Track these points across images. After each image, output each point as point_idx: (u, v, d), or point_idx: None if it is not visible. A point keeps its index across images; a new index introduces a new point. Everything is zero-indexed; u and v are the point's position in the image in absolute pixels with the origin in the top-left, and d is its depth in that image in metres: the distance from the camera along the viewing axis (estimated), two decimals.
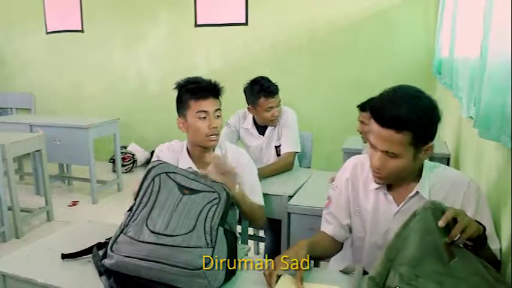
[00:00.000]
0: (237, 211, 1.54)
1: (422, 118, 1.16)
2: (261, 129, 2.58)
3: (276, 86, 2.48)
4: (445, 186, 1.28)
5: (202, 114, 1.63)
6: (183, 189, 1.29)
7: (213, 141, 1.67)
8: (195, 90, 1.63)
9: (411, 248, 1.00)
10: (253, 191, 1.76)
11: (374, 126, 1.20)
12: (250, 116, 2.59)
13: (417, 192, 1.29)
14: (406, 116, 1.14)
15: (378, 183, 1.32)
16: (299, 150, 2.53)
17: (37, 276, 1.27)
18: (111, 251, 1.19)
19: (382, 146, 1.19)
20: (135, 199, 1.28)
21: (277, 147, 2.56)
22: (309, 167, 2.77)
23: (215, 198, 1.27)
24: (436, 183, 1.29)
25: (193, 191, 1.28)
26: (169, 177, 1.31)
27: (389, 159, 1.21)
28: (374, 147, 1.23)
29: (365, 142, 2.21)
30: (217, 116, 1.66)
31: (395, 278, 0.97)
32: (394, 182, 1.31)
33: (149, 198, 1.26)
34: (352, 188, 1.42)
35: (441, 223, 1.00)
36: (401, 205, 1.32)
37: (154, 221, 1.20)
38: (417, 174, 1.30)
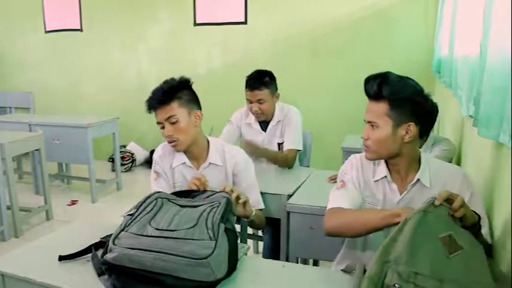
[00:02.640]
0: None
1: (397, 92, 1.30)
2: (263, 124, 2.59)
3: (264, 82, 2.44)
4: (443, 175, 1.37)
5: (160, 125, 1.70)
6: (186, 207, 1.36)
7: (174, 147, 1.72)
8: (148, 105, 1.69)
9: (408, 247, 1.01)
10: (249, 190, 1.77)
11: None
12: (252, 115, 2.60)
13: (418, 180, 1.37)
14: (381, 86, 1.31)
15: (368, 159, 1.43)
16: (301, 148, 2.53)
17: (36, 276, 1.27)
18: (114, 244, 1.20)
19: (367, 117, 1.36)
20: (137, 208, 1.33)
21: (279, 144, 2.56)
22: (308, 166, 2.77)
23: (216, 202, 1.33)
24: (435, 173, 1.38)
25: (195, 206, 1.35)
26: (172, 202, 1.39)
27: (372, 131, 1.35)
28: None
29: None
30: (172, 123, 1.67)
31: (393, 277, 0.97)
32: (379, 157, 1.40)
33: (152, 208, 1.33)
34: (362, 176, 1.46)
35: (437, 202, 1.09)
36: (403, 194, 1.39)
37: (157, 221, 1.26)
38: (417, 166, 1.38)
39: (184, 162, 1.77)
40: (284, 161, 2.47)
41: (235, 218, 1.45)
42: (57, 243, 1.47)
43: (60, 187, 4.57)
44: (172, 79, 1.70)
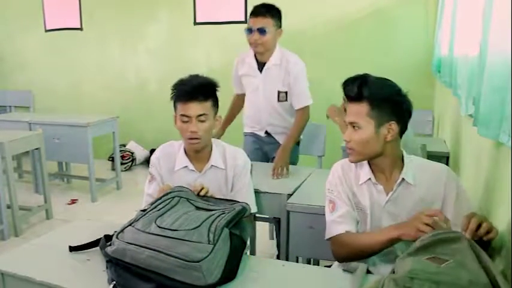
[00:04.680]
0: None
1: (377, 92, 1.33)
2: (261, 66, 2.53)
3: (270, 11, 2.38)
4: (427, 175, 1.40)
5: (185, 118, 1.63)
6: (200, 209, 1.35)
7: (192, 145, 1.67)
8: (180, 94, 1.63)
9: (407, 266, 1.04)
10: (243, 192, 1.76)
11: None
12: (251, 53, 2.57)
13: (403, 179, 1.39)
14: (362, 87, 1.34)
15: (351, 161, 1.44)
16: (311, 102, 2.54)
17: (36, 275, 1.27)
18: (116, 238, 1.23)
19: (349, 118, 1.38)
20: (151, 204, 1.35)
21: (280, 93, 2.52)
22: (323, 155, 2.90)
23: (230, 208, 1.33)
24: (419, 171, 1.41)
25: (209, 210, 1.34)
26: (190, 202, 1.38)
27: (355, 132, 1.37)
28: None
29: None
30: (201, 121, 1.63)
31: (389, 285, 0.99)
32: (363, 158, 1.42)
33: (164, 206, 1.33)
34: (347, 185, 1.47)
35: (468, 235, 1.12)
36: (390, 194, 1.41)
37: (163, 220, 1.26)
38: (400, 165, 1.42)
39: (186, 166, 1.73)
40: (303, 124, 2.52)
41: (250, 231, 1.42)
42: (56, 242, 1.47)
43: (60, 186, 4.57)
44: (205, 77, 1.67)
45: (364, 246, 1.36)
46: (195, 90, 1.61)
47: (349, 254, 1.40)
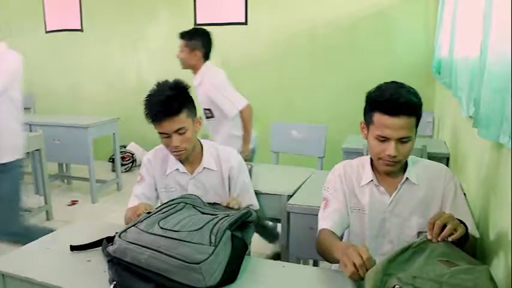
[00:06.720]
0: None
1: (420, 101, 1.33)
2: None
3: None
4: (428, 173, 1.42)
5: (164, 135, 1.60)
6: (206, 214, 1.35)
7: (178, 156, 1.67)
8: (150, 114, 1.58)
9: (412, 266, 1.05)
10: (244, 192, 1.76)
11: (383, 118, 1.30)
12: None
13: (407, 178, 1.41)
14: (415, 101, 1.31)
15: (391, 171, 1.40)
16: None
17: (36, 276, 1.27)
18: (119, 237, 1.23)
19: (398, 134, 1.30)
20: (156, 208, 1.37)
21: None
22: (323, 156, 2.96)
23: (234, 211, 1.34)
24: (420, 171, 1.43)
25: (214, 215, 1.33)
26: (196, 208, 1.39)
27: (402, 145, 1.32)
28: (385, 139, 1.32)
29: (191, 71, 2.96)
30: (181, 133, 1.58)
31: (392, 282, 1.00)
32: (399, 166, 1.40)
33: (169, 210, 1.34)
34: (346, 184, 1.47)
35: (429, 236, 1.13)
36: (394, 194, 1.42)
37: (167, 221, 1.27)
38: (403, 165, 1.42)
39: (178, 169, 1.72)
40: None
41: (251, 230, 1.40)
42: (57, 243, 1.48)
43: (61, 187, 4.56)
44: (171, 84, 1.60)
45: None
46: (164, 107, 1.54)
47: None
